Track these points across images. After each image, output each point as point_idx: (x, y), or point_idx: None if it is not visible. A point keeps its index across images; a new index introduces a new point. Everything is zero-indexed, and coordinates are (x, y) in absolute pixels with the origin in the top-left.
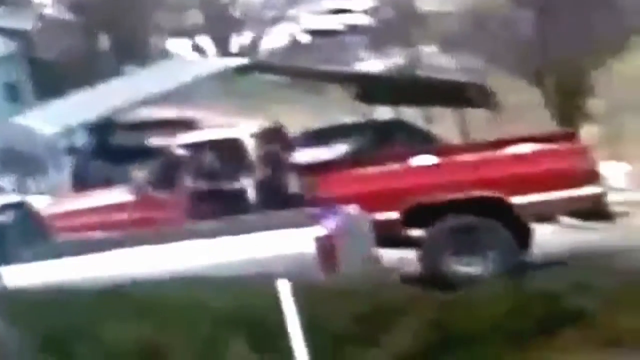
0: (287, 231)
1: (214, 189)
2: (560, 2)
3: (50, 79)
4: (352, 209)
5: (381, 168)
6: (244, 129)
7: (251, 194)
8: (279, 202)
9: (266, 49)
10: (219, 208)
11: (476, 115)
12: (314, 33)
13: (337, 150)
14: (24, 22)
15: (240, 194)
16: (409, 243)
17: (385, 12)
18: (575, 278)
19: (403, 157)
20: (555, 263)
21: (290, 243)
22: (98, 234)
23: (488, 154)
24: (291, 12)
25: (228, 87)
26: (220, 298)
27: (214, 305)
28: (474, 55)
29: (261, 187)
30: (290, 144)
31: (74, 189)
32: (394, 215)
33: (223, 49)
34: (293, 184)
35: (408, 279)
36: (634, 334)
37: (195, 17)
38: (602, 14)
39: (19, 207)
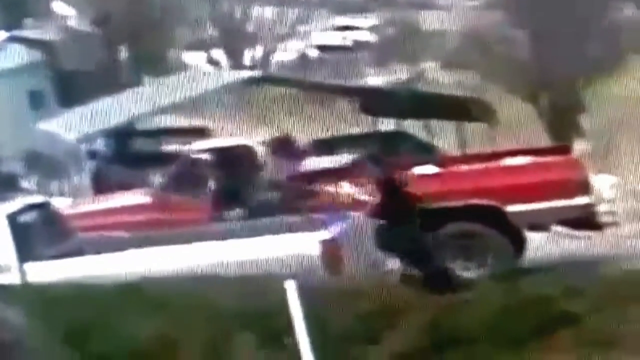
0: (294, 234)
1: (228, 192)
2: (554, 23)
3: (73, 88)
4: (357, 213)
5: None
6: (256, 138)
7: (261, 197)
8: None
9: (277, 63)
10: (232, 211)
11: (475, 129)
12: (323, 48)
13: (343, 159)
14: (49, 33)
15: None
16: None
17: (390, 30)
18: (566, 283)
19: (405, 167)
20: (547, 269)
21: (297, 246)
22: (116, 234)
23: (485, 165)
24: (301, 28)
25: (241, 98)
26: (229, 296)
27: (224, 303)
28: (473, 72)
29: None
30: (299, 153)
31: (94, 191)
32: None
33: (236, 62)
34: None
35: (410, 282)
36: (620, 336)
37: (210, 31)
38: (595, 35)
39: (43, 207)
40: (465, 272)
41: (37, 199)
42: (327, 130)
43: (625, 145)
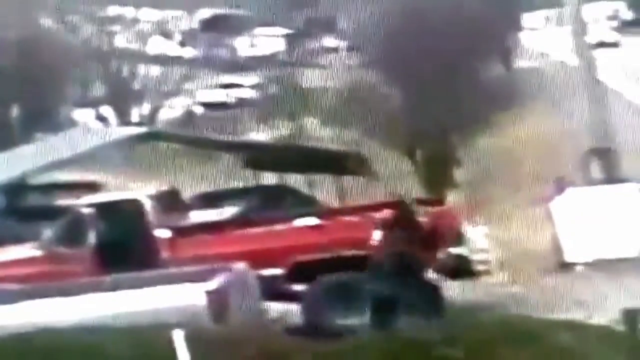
0: (181, 285)
1: (115, 246)
2: (428, 81)
3: None
4: (240, 265)
5: (267, 228)
6: (143, 192)
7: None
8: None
9: (164, 119)
10: (120, 263)
11: (354, 182)
12: (207, 105)
13: (227, 212)
14: None
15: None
16: (293, 297)
17: (272, 87)
18: (444, 329)
19: (287, 219)
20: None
21: (184, 296)
22: (8, 286)
23: (360, 218)
24: (187, 86)
25: (129, 153)
26: (119, 346)
27: (114, 352)
28: (352, 128)
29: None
30: (184, 206)
31: None
32: (279, 271)
33: (124, 119)
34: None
35: (292, 331)
36: None
37: (98, 89)
38: (467, 93)
39: None
40: (345, 320)
41: None
42: (212, 184)
43: (497, 196)
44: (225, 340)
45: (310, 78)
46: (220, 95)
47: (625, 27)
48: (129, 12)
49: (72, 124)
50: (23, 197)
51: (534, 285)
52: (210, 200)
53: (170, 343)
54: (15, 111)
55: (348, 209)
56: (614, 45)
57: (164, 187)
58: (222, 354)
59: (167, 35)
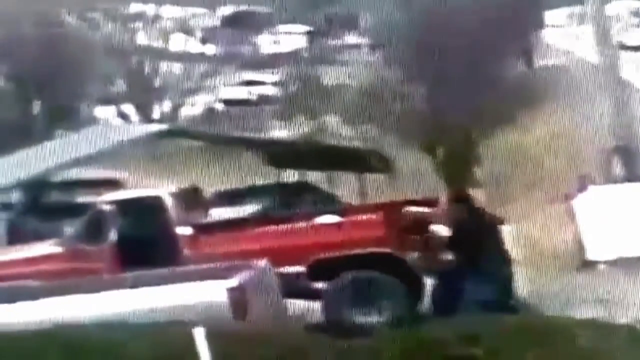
0: (202, 282)
1: (136, 243)
2: (449, 78)
3: None
4: (261, 262)
5: (288, 226)
6: (164, 189)
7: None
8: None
9: (185, 116)
10: (141, 260)
11: (375, 179)
12: (229, 102)
13: (248, 209)
14: None
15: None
16: (313, 295)
17: (293, 84)
18: (462, 328)
19: (308, 217)
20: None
21: (205, 293)
22: (29, 283)
23: (382, 215)
24: (208, 82)
25: (150, 150)
26: (140, 343)
27: (134, 350)
28: (373, 125)
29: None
30: (205, 204)
31: (8, 242)
32: (300, 269)
33: (145, 116)
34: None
35: (312, 328)
36: None
37: (120, 86)
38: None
39: None
40: (365, 317)
41: None
42: (233, 182)
43: (518, 195)
44: (246, 337)
45: (332, 75)
46: (241, 93)
47: None
48: (150, 9)
49: (94, 121)
50: (45, 194)
51: (555, 284)
52: (231, 197)
53: (191, 340)
54: (36, 108)
55: (369, 207)
56: None
57: (185, 185)
58: (243, 351)
59: (188, 32)
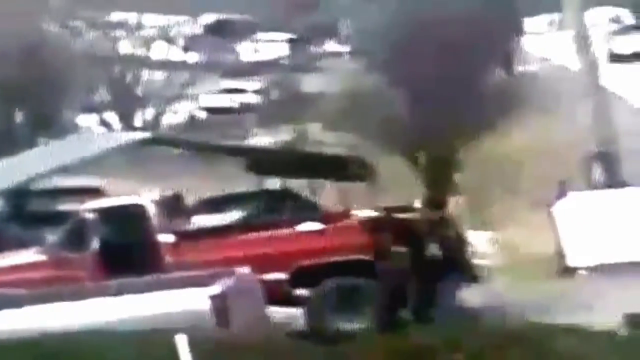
0: (184, 290)
1: (119, 250)
2: (431, 85)
3: None
4: (244, 270)
5: (270, 233)
6: (147, 197)
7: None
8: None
9: (167, 124)
10: (124, 268)
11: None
12: (210, 110)
13: (230, 217)
14: None
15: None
16: (296, 302)
17: (274, 92)
18: (446, 334)
19: (290, 224)
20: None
21: (188, 300)
22: (13, 291)
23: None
24: (190, 90)
25: (132, 158)
26: (123, 350)
27: (118, 356)
28: (353, 132)
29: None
30: (187, 211)
31: None
32: (282, 276)
33: (128, 124)
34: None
35: (295, 335)
36: None
37: (102, 94)
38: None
39: None
40: (348, 324)
41: None
42: (215, 189)
43: (499, 201)
44: (229, 344)
45: (313, 83)
46: (223, 100)
47: (627, 31)
48: (132, 17)
49: (76, 129)
50: (27, 202)
51: (536, 290)
52: (214, 205)
53: (173, 347)
54: (19, 116)
55: (350, 214)
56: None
57: (168, 192)
58: (226, 358)
59: (170, 40)
